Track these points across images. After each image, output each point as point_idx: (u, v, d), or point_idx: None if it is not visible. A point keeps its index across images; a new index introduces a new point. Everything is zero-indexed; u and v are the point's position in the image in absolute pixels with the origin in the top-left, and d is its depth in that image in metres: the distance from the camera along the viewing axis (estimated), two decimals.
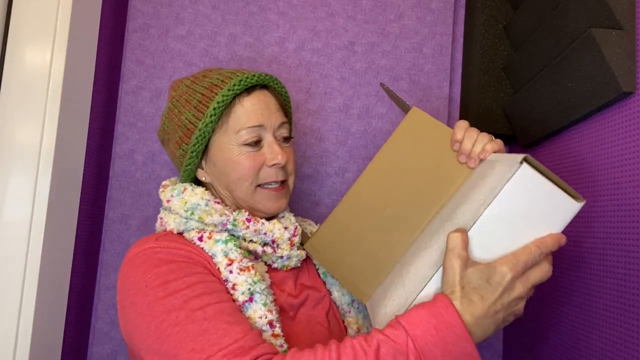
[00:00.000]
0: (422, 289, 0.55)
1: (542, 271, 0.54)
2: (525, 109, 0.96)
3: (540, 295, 0.92)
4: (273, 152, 0.70)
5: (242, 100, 0.70)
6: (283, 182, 0.73)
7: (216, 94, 0.69)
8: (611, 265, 0.71)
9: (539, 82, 0.89)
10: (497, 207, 0.53)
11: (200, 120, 0.69)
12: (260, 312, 0.61)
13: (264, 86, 0.74)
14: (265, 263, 0.71)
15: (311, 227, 0.86)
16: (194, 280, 0.59)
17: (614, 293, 0.70)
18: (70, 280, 0.92)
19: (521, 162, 0.53)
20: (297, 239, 0.73)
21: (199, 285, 0.58)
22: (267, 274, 0.68)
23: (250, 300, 0.61)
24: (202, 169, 0.74)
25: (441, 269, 0.54)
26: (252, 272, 0.63)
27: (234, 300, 0.61)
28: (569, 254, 0.83)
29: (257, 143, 0.71)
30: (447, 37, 1.10)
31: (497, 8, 1.07)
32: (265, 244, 0.70)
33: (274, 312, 0.62)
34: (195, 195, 0.69)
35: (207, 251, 0.65)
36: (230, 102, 0.69)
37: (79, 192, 0.93)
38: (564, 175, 0.87)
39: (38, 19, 0.84)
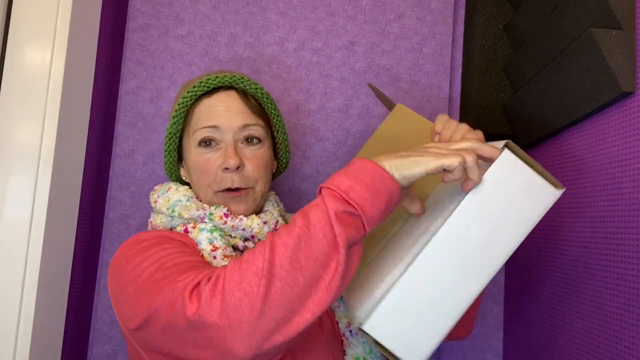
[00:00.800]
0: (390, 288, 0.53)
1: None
2: (525, 109, 0.96)
3: (540, 295, 0.92)
4: (224, 155, 0.69)
5: (202, 102, 0.71)
6: (242, 190, 0.71)
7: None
8: (611, 265, 0.71)
9: (539, 82, 0.89)
10: (479, 193, 0.53)
11: (169, 123, 0.73)
12: None
13: (231, 87, 0.73)
14: None
15: None
16: (173, 248, 0.60)
17: (614, 293, 0.70)
18: (70, 280, 0.92)
19: (503, 148, 0.53)
20: None
21: (177, 250, 0.60)
22: None
23: None
24: (184, 168, 0.77)
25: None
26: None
27: None
28: (569, 254, 0.83)
29: (209, 144, 0.70)
30: (447, 37, 1.10)
31: (497, 8, 1.07)
32: (246, 239, 0.70)
33: None
34: (178, 193, 0.71)
35: (193, 238, 0.67)
36: (193, 103, 0.71)
37: (79, 192, 0.93)
38: (564, 175, 0.87)
39: (38, 19, 0.84)
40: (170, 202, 0.71)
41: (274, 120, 0.77)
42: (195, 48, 1.07)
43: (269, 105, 0.76)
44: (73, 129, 0.89)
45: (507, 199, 0.54)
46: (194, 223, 0.69)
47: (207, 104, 0.71)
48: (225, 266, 0.50)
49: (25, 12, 0.84)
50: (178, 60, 1.06)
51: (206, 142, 0.70)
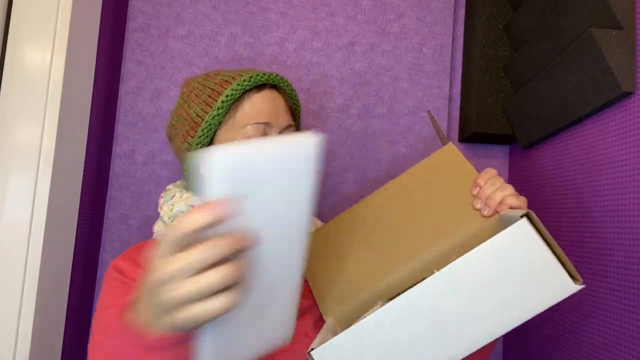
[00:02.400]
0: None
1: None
2: (525, 109, 0.96)
3: None
4: None
5: (252, 97, 0.70)
6: None
7: (226, 89, 0.69)
8: (611, 265, 0.71)
9: (539, 82, 0.89)
10: (479, 253, 0.47)
11: (208, 113, 0.69)
12: None
13: (274, 86, 0.73)
14: None
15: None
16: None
17: (614, 293, 0.70)
18: (70, 280, 0.92)
19: (522, 216, 0.47)
20: None
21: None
22: None
23: None
24: None
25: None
26: None
27: None
28: (569, 254, 0.83)
29: None
30: (447, 37, 1.10)
31: (497, 8, 1.07)
32: None
33: None
34: (181, 202, 0.70)
35: None
36: (239, 97, 0.69)
37: (79, 192, 0.93)
38: (564, 175, 0.87)
39: (38, 19, 0.84)
40: (172, 212, 0.70)
41: (298, 127, 0.79)
42: (195, 48, 1.07)
43: (298, 109, 0.78)
44: (73, 129, 0.89)
45: (510, 273, 0.46)
46: None
47: (256, 99, 0.70)
48: None
49: (25, 12, 0.84)
50: (178, 60, 1.06)
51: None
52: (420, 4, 1.10)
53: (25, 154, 0.82)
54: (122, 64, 1.08)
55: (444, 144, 0.70)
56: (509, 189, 0.58)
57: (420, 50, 1.09)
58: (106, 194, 1.07)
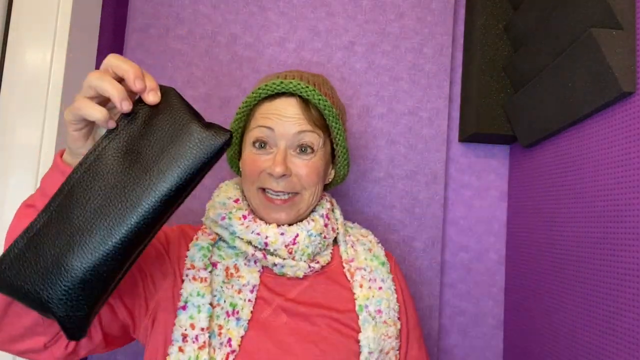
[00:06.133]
0: None
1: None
2: (525, 109, 0.96)
3: (540, 295, 0.92)
4: (273, 160, 0.69)
5: (263, 104, 0.72)
6: (287, 194, 0.70)
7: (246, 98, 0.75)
8: (611, 265, 0.71)
9: (539, 82, 0.89)
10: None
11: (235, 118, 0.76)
12: (183, 322, 0.62)
13: (293, 94, 0.72)
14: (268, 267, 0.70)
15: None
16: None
17: (614, 293, 0.70)
18: None
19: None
20: (296, 247, 0.69)
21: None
22: (226, 290, 0.67)
23: (184, 308, 0.63)
24: (241, 161, 0.80)
25: None
26: (202, 284, 0.65)
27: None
28: (569, 254, 0.83)
29: (263, 145, 0.71)
30: (447, 37, 1.10)
31: (497, 8, 1.07)
32: (257, 249, 0.69)
33: (195, 328, 0.61)
34: (221, 193, 0.75)
35: (190, 246, 0.70)
36: (256, 104, 0.73)
37: None
38: (564, 175, 0.87)
39: (38, 19, 0.84)
40: (211, 202, 0.74)
41: (335, 133, 0.75)
42: (195, 48, 1.07)
43: (331, 117, 0.73)
44: None
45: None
46: (203, 230, 0.72)
47: (266, 107, 0.72)
48: None
49: (26, 12, 0.84)
50: (178, 60, 1.06)
51: (260, 144, 0.71)
52: (420, 4, 1.10)
53: (25, 154, 0.82)
54: None
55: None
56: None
57: (420, 50, 1.09)
58: None
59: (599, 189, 0.76)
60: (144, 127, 0.48)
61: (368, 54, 1.09)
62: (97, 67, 0.98)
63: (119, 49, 1.09)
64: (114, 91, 0.45)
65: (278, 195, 0.70)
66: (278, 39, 1.08)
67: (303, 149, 0.71)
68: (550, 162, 0.93)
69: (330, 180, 0.81)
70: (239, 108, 0.74)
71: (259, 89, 0.72)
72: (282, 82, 0.71)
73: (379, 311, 0.71)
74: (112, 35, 1.05)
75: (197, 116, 0.49)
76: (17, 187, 0.81)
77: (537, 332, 0.93)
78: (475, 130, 1.04)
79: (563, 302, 0.84)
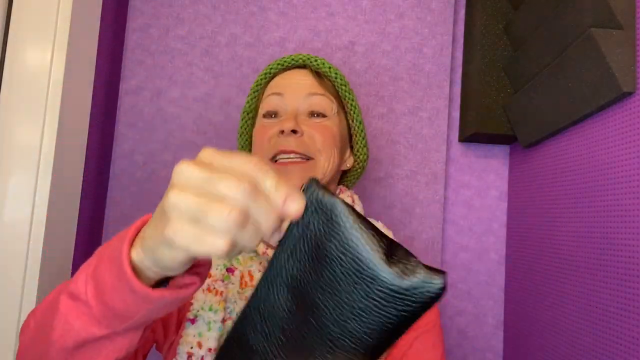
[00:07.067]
0: None
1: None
2: (525, 109, 0.96)
3: (540, 295, 0.92)
4: (283, 120, 0.66)
5: (275, 79, 0.73)
6: (300, 157, 0.63)
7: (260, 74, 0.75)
8: (611, 266, 0.71)
9: (539, 82, 0.89)
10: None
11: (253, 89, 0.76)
12: (190, 338, 0.57)
13: (305, 67, 0.73)
14: None
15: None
16: None
17: (614, 293, 0.70)
18: None
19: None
20: None
21: None
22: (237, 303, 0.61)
23: (193, 321, 0.58)
24: None
25: None
26: (216, 297, 0.59)
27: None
28: (569, 254, 0.83)
29: (273, 116, 0.68)
30: (447, 37, 1.10)
31: (497, 8, 1.07)
32: (269, 246, 0.65)
33: (202, 347, 0.56)
34: None
35: None
36: (267, 82, 0.74)
37: (79, 192, 0.93)
38: (564, 175, 0.87)
39: (38, 19, 0.84)
40: None
41: (349, 105, 0.72)
42: (195, 48, 1.07)
43: (343, 87, 0.71)
44: (73, 129, 0.89)
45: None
46: None
47: (276, 80, 0.72)
48: None
49: (25, 12, 0.84)
50: (178, 60, 1.06)
51: (270, 115, 0.68)
52: (420, 4, 1.10)
53: (25, 153, 0.82)
54: (122, 64, 1.08)
55: None
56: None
57: (420, 50, 1.09)
58: (106, 194, 1.07)
59: (599, 189, 0.76)
60: (307, 262, 0.34)
61: (368, 54, 1.09)
62: (97, 67, 0.98)
63: (119, 49, 1.09)
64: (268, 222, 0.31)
65: (290, 157, 0.63)
66: (278, 39, 1.08)
67: (315, 114, 0.67)
68: (550, 162, 0.93)
69: (349, 167, 0.76)
70: (251, 89, 0.75)
71: (270, 66, 0.73)
72: (291, 56, 0.73)
73: None
74: (112, 35, 1.05)
75: (379, 242, 0.32)
76: (17, 187, 0.81)
77: (537, 332, 0.93)
78: (475, 130, 1.04)
79: (563, 302, 0.84)
